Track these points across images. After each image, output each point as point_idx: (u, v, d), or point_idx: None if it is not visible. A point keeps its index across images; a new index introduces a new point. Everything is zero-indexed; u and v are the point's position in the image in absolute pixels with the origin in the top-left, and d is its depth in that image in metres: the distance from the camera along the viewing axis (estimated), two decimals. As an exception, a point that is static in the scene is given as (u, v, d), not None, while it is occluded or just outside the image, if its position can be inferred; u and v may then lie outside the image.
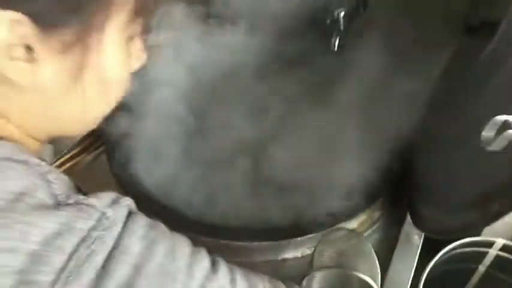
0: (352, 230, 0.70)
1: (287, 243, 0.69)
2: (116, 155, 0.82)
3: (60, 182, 0.35)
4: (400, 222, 0.71)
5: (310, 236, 0.69)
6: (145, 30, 0.41)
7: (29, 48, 0.33)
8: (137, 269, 0.34)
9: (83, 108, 0.40)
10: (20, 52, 0.32)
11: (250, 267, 0.68)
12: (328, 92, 0.79)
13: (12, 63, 0.33)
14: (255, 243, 0.69)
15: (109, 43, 0.37)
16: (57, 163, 0.90)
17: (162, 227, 0.40)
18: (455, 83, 0.60)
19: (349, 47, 0.78)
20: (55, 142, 0.94)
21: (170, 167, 0.85)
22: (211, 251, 0.67)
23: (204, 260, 0.41)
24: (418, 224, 0.67)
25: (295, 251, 0.70)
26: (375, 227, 0.73)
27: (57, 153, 0.91)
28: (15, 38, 0.31)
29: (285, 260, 0.70)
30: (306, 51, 0.83)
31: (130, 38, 0.39)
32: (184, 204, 0.80)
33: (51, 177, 0.35)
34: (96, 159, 0.91)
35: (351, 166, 0.78)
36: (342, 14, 0.75)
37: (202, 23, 0.87)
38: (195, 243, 0.42)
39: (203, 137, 0.90)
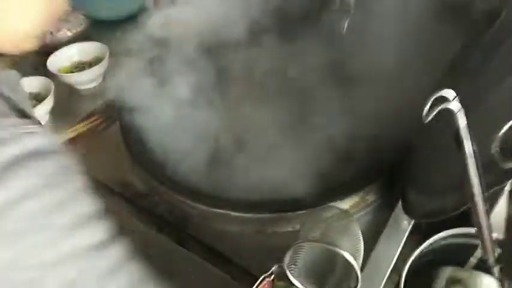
0: (344, 211, 0.73)
1: (278, 217, 0.72)
2: (127, 125, 0.87)
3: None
4: (392, 208, 0.73)
5: (302, 212, 0.71)
6: None
7: None
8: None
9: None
10: None
11: (241, 236, 0.73)
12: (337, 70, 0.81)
13: None
14: (249, 215, 0.72)
15: None
16: (75, 127, 0.96)
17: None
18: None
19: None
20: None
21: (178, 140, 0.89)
22: (207, 219, 0.70)
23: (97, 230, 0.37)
24: (407, 210, 0.68)
25: (287, 225, 0.73)
26: (366, 210, 0.75)
27: (75, 120, 0.98)
28: None
29: (275, 232, 0.73)
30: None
31: None
32: (189, 174, 0.84)
33: None
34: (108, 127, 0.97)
35: (350, 147, 0.80)
36: None
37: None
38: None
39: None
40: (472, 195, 0.42)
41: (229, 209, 0.72)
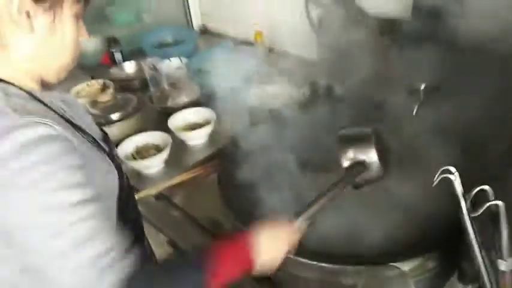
0: (403, 272, 0.80)
1: (341, 269, 0.81)
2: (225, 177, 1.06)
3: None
4: (448, 276, 0.78)
5: (363, 267, 0.80)
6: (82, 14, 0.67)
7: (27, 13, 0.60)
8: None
9: (54, 55, 0.66)
10: (23, 14, 0.60)
11: (306, 282, 0.83)
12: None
13: (20, 17, 0.60)
14: (314, 263, 0.83)
15: (64, 13, 0.64)
16: (183, 174, 1.17)
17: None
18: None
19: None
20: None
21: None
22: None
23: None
24: (462, 279, 0.74)
25: (349, 278, 0.82)
26: (425, 275, 0.81)
27: (184, 169, 1.20)
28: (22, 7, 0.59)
29: (339, 283, 0.82)
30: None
31: (76, 16, 0.66)
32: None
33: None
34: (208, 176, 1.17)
35: (419, 216, 0.88)
36: (422, 86, 0.89)
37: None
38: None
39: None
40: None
41: (299, 256, 0.83)
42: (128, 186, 0.80)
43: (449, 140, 0.85)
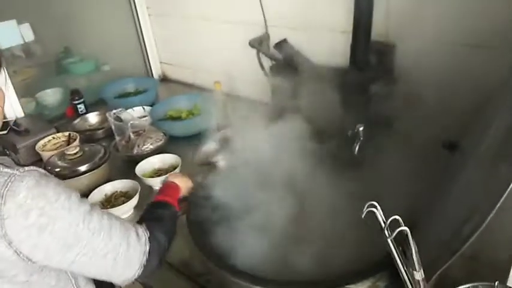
0: (357, 293, 0.90)
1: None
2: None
3: None
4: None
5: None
6: None
7: None
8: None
9: None
10: None
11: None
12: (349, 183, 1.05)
13: None
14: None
15: None
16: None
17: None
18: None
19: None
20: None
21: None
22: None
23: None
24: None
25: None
26: (377, 293, 0.92)
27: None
28: None
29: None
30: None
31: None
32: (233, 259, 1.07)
33: None
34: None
35: (368, 241, 1.00)
36: (361, 128, 1.03)
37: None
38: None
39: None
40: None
41: (258, 284, 0.92)
42: None
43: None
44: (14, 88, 1.79)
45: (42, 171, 0.73)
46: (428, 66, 1.03)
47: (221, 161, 1.33)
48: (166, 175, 1.28)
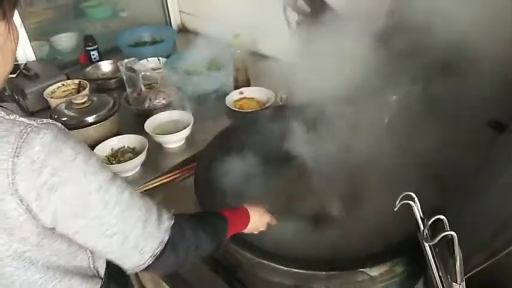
0: (372, 277, 0.83)
1: (314, 275, 0.83)
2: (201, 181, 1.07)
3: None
4: (415, 281, 0.81)
5: (334, 272, 0.83)
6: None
7: None
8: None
9: (5, 62, 0.67)
10: None
11: (281, 287, 0.85)
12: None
13: None
14: (288, 269, 0.85)
15: (12, 20, 0.65)
16: (157, 179, 1.18)
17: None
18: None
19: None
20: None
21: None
22: (253, 268, 0.84)
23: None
24: (427, 285, 0.77)
25: (321, 283, 0.84)
26: (393, 279, 0.84)
27: (160, 172, 1.20)
28: None
29: (311, 288, 0.85)
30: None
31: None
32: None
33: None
34: (185, 180, 1.18)
35: (387, 224, 0.91)
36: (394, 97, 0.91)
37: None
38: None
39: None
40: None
41: (272, 261, 0.85)
42: None
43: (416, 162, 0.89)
44: (28, 30, 1.70)
45: (61, 126, 0.64)
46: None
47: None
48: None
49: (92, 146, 1.23)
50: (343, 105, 0.99)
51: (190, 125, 1.29)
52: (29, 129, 0.59)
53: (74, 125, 1.28)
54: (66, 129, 0.64)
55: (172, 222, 0.72)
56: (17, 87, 1.53)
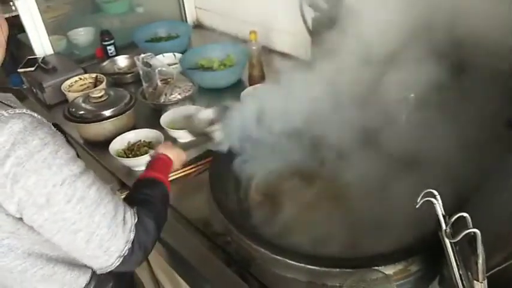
0: (387, 275, 0.83)
1: (328, 271, 0.83)
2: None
3: None
4: (430, 281, 0.81)
5: (349, 270, 0.83)
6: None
7: None
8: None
9: None
10: None
11: (295, 283, 0.86)
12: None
13: None
14: (302, 265, 0.85)
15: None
16: (172, 174, 1.18)
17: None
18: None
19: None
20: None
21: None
22: (267, 263, 0.84)
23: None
24: (442, 284, 0.77)
25: (335, 280, 0.84)
26: (408, 279, 0.84)
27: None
28: None
29: (324, 285, 0.85)
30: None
31: None
32: (257, 223, 1.01)
33: None
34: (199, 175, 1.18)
35: (403, 222, 0.91)
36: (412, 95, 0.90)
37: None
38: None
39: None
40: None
41: (286, 257, 0.86)
42: None
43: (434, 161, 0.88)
44: (46, 24, 1.73)
45: (37, 116, 0.65)
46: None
47: (217, 131, 1.13)
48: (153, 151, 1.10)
49: (109, 140, 1.25)
50: (360, 104, 0.98)
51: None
52: None
53: (90, 118, 1.30)
54: (43, 120, 0.66)
55: (136, 220, 0.71)
56: (35, 80, 1.56)
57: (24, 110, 0.64)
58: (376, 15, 1.13)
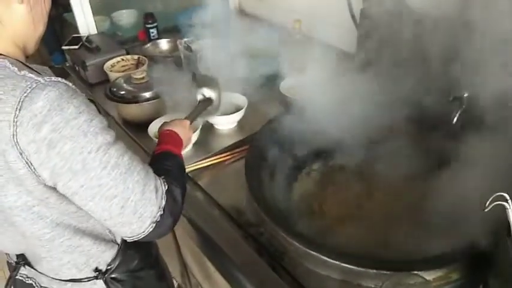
0: (426, 281, 0.79)
1: (364, 272, 0.80)
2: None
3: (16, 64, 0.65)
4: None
5: (387, 272, 0.79)
6: None
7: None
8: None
9: (36, 25, 0.72)
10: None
11: (328, 280, 0.83)
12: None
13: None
14: (338, 263, 0.82)
15: None
16: (208, 159, 1.18)
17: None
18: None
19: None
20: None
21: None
22: (300, 257, 0.82)
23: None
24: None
25: (370, 281, 0.81)
26: (448, 286, 0.80)
27: (211, 153, 1.20)
28: None
29: (359, 285, 0.82)
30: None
31: None
32: (293, 215, 0.98)
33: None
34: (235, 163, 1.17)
35: (449, 227, 0.86)
36: (466, 95, 0.85)
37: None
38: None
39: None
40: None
41: (322, 253, 0.83)
42: None
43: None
44: (91, 4, 1.75)
45: (71, 85, 0.66)
46: None
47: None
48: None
49: (147, 122, 1.25)
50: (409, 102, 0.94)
51: (244, 108, 1.28)
52: (35, 84, 0.61)
53: (131, 99, 1.31)
54: (77, 90, 0.66)
55: (166, 187, 0.73)
56: (79, 58, 1.59)
57: (60, 79, 0.65)
58: (428, 12, 1.08)
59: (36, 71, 0.66)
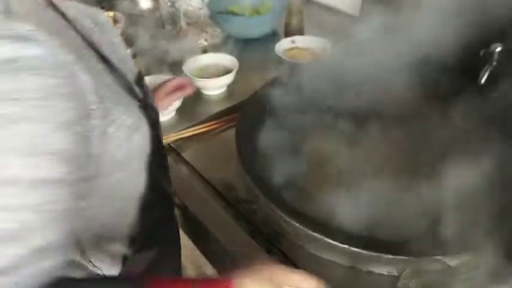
0: (451, 267, 0.67)
1: (376, 256, 0.68)
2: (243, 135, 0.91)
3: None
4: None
5: (403, 257, 0.67)
6: None
7: None
8: None
9: None
10: None
11: (332, 266, 0.71)
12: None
13: None
14: (345, 246, 0.70)
15: None
16: (193, 128, 1.03)
17: None
18: None
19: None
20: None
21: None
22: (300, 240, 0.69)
23: None
24: None
25: (383, 268, 0.69)
26: (476, 271, 0.68)
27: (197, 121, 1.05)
28: None
29: (370, 272, 0.70)
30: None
31: None
32: (292, 191, 0.85)
33: None
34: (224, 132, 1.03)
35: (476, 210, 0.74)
36: (498, 49, 0.72)
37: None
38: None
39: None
40: None
41: (325, 235, 0.70)
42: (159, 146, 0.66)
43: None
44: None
45: None
46: None
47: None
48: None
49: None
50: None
51: (234, 71, 1.13)
52: None
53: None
54: None
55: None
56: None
57: None
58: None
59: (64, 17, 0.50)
